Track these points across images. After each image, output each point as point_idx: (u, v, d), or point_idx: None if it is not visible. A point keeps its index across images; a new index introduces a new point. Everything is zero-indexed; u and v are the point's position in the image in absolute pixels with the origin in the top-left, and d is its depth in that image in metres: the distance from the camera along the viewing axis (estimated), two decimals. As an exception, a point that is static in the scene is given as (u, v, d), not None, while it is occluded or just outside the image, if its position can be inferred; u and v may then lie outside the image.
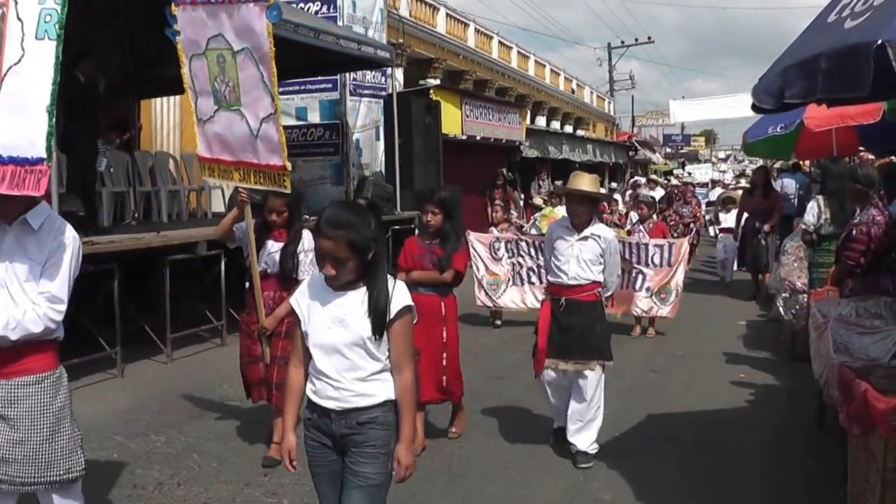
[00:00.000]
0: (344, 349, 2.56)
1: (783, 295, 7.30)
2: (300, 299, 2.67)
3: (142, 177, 10.02)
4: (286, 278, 4.45)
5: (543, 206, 13.21)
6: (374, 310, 2.53)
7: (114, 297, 6.52)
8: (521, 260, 8.66)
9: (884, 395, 3.03)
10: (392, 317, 2.56)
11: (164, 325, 7.14)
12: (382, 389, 2.60)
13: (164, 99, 12.61)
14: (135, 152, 10.14)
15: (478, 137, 18.09)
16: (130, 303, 7.11)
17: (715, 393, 6.09)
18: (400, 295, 2.59)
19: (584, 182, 4.54)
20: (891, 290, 4.75)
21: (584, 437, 4.59)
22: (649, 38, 44.75)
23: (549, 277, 4.72)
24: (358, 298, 2.57)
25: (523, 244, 8.67)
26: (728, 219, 12.42)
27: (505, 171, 16.56)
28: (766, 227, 10.03)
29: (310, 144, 12.12)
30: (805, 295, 6.50)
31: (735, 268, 12.04)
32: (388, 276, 2.60)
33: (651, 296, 8.10)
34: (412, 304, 2.61)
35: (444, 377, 4.71)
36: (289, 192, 4.25)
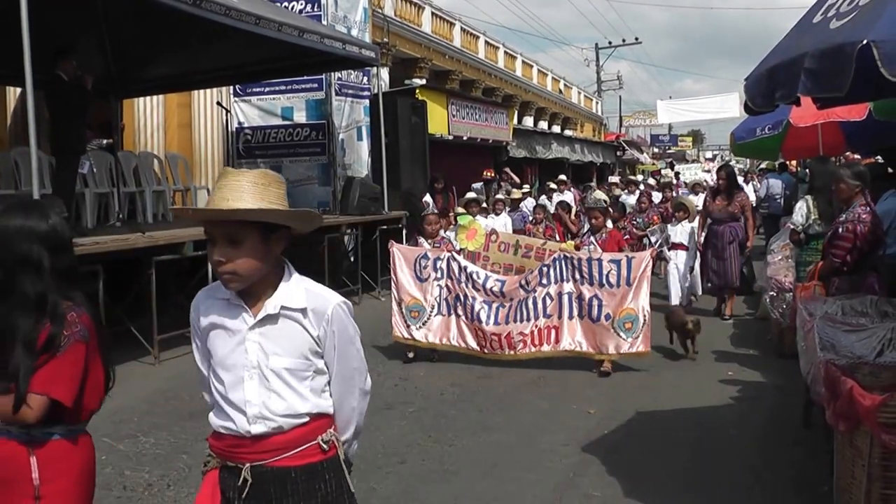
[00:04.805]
0: None
1: (770, 293, 7.34)
2: None
3: (125, 177, 9.95)
4: None
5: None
6: None
7: (99, 299, 6.46)
8: (450, 284, 6.98)
9: (869, 391, 3.06)
10: None
11: (151, 326, 7.08)
12: None
13: (148, 98, 12.53)
14: (118, 153, 10.06)
15: (464, 137, 18.12)
16: (116, 304, 7.07)
17: (703, 390, 6.11)
18: None
19: (241, 191, 2.00)
20: (876, 289, 4.81)
21: None
22: (636, 38, 45.13)
23: (212, 417, 2.16)
24: None
25: (455, 265, 6.96)
26: (679, 231, 9.36)
27: (491, 174, 16.49)
28: (749, 246, 9.12)
29: (296, 144, 12.05)
30: (792, 293, 6.53)
31: (699, 291, 9.61)
32: None
33: (613, 325, 6.59)
34: None
35: None
36: None
